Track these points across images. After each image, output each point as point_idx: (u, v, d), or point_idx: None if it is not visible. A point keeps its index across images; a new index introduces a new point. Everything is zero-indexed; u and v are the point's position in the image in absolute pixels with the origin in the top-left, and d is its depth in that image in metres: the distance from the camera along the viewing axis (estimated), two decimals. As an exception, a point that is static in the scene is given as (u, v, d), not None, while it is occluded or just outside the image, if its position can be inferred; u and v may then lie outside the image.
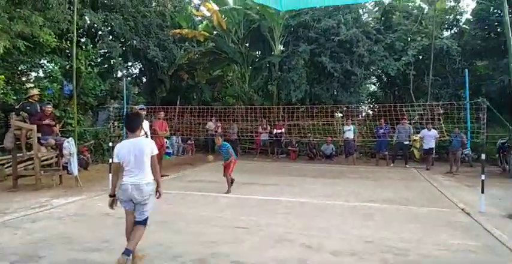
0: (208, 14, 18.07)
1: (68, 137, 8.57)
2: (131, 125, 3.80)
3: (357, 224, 5.38)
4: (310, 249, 4.32)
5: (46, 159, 9.33)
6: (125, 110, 12.61)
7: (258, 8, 16.11)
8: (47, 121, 8.19)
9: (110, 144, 8.58)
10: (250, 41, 17.83)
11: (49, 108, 8.46)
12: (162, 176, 9.32)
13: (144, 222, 3.69)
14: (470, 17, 16.55)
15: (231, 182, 7.76)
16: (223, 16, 17.00)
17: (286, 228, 5.12)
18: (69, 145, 8.05)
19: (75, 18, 8.81)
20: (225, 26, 16.90)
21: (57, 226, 5.16)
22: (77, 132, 9.18)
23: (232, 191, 7.60)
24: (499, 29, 14.73)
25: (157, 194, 3.82)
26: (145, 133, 8.59)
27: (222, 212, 6.09)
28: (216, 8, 17.05)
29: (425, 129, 11.69)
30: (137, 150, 3.63)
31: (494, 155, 11.19)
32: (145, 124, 8.78)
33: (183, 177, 10.06)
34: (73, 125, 10.28)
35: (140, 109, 9.23)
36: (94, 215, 5.77)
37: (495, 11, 14.55)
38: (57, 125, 8.86)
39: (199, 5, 20.11)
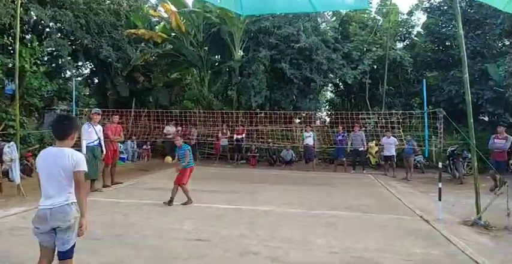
0: (166, 15, 17.52)
1: (9, 141, 7.87)
2: (60, 131, 2.95)
3: (321, 234, 5.29)
4: (276, 262, 4.14)
5: (-17, 166, 8.45)
6: (74, 112, 11.82)
7: (218, 11, 15.88)
8: (-16, 124, 7.44)
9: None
10: (209, 44, 17.52)
11: (-13, 109, 7.71)
12: (115, 184, 8.99)
13: (69, 255, 2.90)
14: (421, 30, 17.45)
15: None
16: (182, 18, 16.56)
17: (250, 240, 4.91)
18: (11, 150, 7.40)
19: (19, 12, 8.03)
20: (184, 28, 16.47)
21: (-7, 243, 4.57)
22: (19, 136, 8.37)
23: (192, 200, 7.24)
24: (447, 43, 15.64)
25: (80, 228, 2.93)
26: (99, 138, 8.08)
27: (182, 223, 5.74)
28: (174, 9, 16.56)
29: (385, 137, 12.07)
30: (52, 162, 2.85)
31: (444, 162, 11.74)
32: (99, 129, 8.24)
33: (138, 184, 9.53)
34: (15, 128, 9.40)
35: (94, 113, 8.30)
36: (38, 229, 5.19)
37: (444, 25, 15.41)
38: (-4, 128, 8.09)
39: (157, 6, 19.50)
